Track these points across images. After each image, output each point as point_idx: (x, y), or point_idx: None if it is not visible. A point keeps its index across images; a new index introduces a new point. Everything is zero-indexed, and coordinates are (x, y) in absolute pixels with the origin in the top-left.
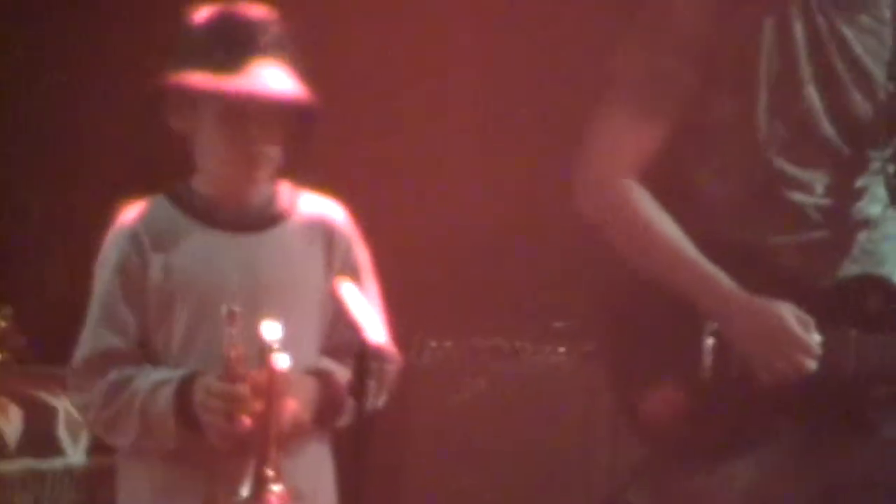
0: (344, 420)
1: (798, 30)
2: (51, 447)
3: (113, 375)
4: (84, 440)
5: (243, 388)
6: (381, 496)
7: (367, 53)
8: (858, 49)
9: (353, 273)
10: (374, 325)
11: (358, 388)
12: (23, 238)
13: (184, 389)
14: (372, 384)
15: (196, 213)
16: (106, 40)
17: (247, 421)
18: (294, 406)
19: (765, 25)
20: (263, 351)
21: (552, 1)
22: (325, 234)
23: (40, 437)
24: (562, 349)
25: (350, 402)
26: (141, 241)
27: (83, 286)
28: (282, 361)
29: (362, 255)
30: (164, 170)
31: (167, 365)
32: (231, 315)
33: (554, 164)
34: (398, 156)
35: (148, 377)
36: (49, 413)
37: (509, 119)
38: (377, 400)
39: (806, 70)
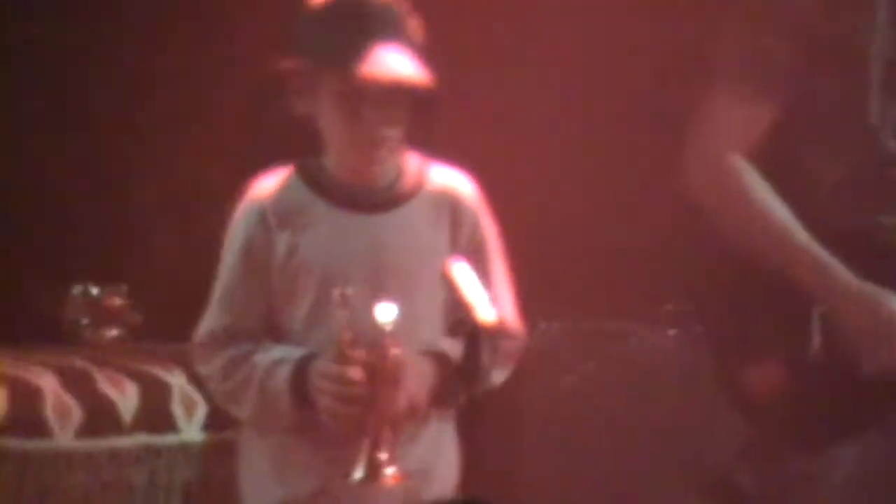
0: (462, 400)
1: None
2: (166, 423)
3: (232, 351)
4: (199, 416)
5: (354, 372)
6: (495, 475)
7: (490, 28)
8: None
9: (480, 249)
10: (485, 304)
11: (469, 368)
12: (137, 215)
13: (300, 370)
14: (484, 362)
15: (324, 191)
16: (231, 11)
17: (359, 404)
18: (410, 389)
19: (878, 2)
20: (378, 333)
21: None
22: (452, 209)
23: (155, 413)
24: (672, 332)
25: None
26: (268, 219)
27: (197, 263)
28: (396, 344)
29: (489, 230)
30: (279, 146)
31: (291, 342)
32: (343, 297)
33: (663, 146)
34: (513, 138)
35: (267, 354)
36: (164, 389)
37: (617, 101)
38: (496, 376)
39: None
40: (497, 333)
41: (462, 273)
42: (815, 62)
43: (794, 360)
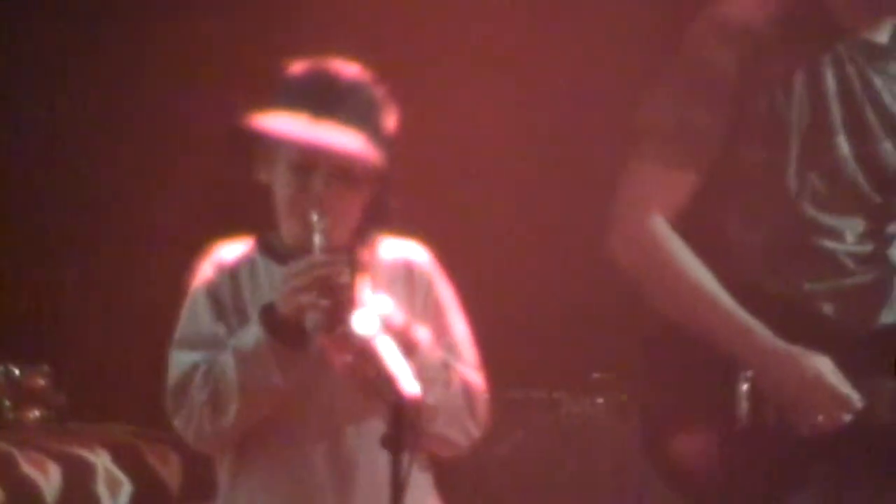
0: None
1: (829, 80)
2: (90, 503)
3: (202, 366)
4: (123, 496)
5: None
6: None
7: (446, 104)
8: (888, 98)
9: (436, 311)
10: (407, 377)
11: (394, 438)
12: (61, 297)
13: (266, 307)
14: (409, 435)
15: (276, 256)
16: (189, 87)
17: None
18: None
19: (796, 76)
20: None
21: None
22: (406, 274)
23: (79, 494)
24: (600, 400)
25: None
26: (225, 282)
27: (121, 345)
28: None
29: (445, 292)
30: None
31: None
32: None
33: (590, 216)
34: (443, 207)
35: (229, 344)
36: (87, 469)
37: (550, 174)
38: (473, 427)
39: (837, 120)
40: (418, 407)
41: (385, 346)
42: (739, 134)
43: (722, 426)
